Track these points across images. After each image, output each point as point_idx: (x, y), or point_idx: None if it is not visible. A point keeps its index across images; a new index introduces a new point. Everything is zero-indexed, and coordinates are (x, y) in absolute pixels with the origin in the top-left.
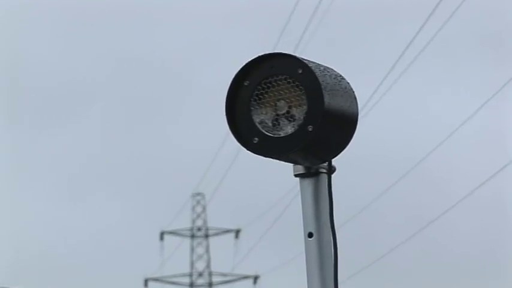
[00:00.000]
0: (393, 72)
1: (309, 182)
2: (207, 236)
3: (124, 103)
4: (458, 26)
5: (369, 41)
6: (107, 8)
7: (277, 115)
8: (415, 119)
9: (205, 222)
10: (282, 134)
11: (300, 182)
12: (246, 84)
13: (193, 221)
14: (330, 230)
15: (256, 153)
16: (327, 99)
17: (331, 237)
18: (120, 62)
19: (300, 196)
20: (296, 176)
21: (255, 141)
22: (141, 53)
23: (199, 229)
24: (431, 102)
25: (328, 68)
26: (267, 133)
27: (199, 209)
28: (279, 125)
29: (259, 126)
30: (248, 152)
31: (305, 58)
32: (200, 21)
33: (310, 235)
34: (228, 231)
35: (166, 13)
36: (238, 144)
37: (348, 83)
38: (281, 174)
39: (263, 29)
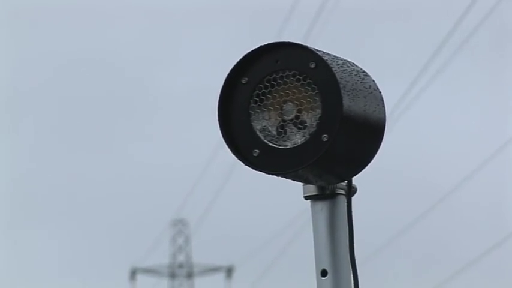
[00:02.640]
0: (428, 72)
1: (322, 206)
2: (190, 275)
3: (69, 115)
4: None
5: (391, 38)
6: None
7: (284, 121)
8: (456, 131)
9: (188, 257)
10: (290, 144)
11: (312, 206)
12: (244, 82)
13: (174, 256)
14: (349, 266)
15: (257, 169)
16: (347, 102)
17: (351, 276)
18: (62, 64)
19: (311, 224)
20: (307, 198)
21: (255, 154)
22: (88, 54)
23: (181, 266)
24: (477, 110)
25: (348, 61)
26: (270, 144)
27: (180, 241)
28: (285, 133)
29: (260, 135)
30: (246, 167)
31: (319, 49)
32: (164, 13)
33: (323, 273)
34: (217, 269)
35: (120, 3)
36: (233, 158)
37: (374, 81)
38: (287, 196)
39: (244, 23)
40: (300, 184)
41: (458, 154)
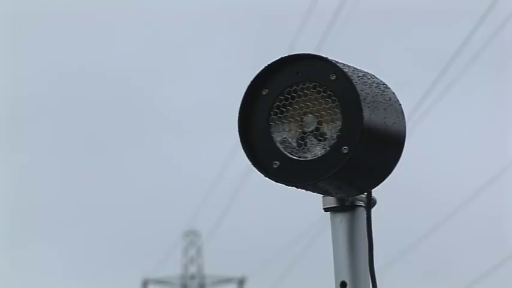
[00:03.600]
0: (437, 87)
1: (342, 218)
2: (202, 286)
3: (78, 126)
4: None
5: (410, 44)
6: (40, 8)
7: (304, 133)
8: (472, 145)
9: (200, 268)
10: (310, 156)
11: (331, 218)
12: (264, 93)
13: (185, 267)
14: (369, 279)
15: (277, 181)
16: (367, 114)
17: None
18: (64, 77)
19: (330, 235)
20: (326, 210)
21: (275, 166)
22: (89, 65)
23: (192, 277)
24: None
25: (368, 73)
26: (290, 155)
27: (192, 252)
28: (305, 145)
29: (280, 147)
30: (266, 179)
31: (339, 61)
32: (169, 22)
33: (343, 285)
34: (229, 280)
35: (123, 13)
36: (245, 169)
37: (394, 93)
38: (299, 206)
39: (251, 33)
40: (313, 195)
41: (465, 170)
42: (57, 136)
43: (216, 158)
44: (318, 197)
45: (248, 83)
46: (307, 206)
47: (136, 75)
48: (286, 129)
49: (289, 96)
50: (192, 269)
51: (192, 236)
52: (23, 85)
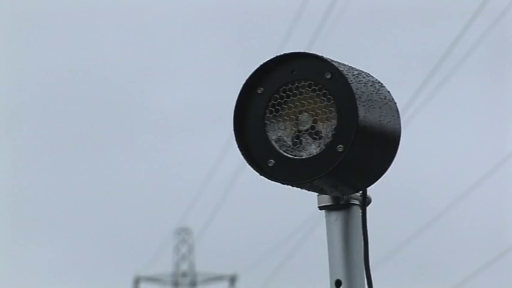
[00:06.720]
0: (429, 84)
1: (337, 216)
2: (194, 283)
3: (70, 126)
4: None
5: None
6: (25, 10)
7: (299, 131)
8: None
9: (191, 266)
10: (305, 155)
11: (326, 216)
12: (259, 92)
13: (177, 264)
14: (364, 277)
15: (272, 179)
16: (362, 112)
17: (365, 287)
18: (52, 76)
19: (323, 233)
20: (321, 208)
21: (270, 164)
22: (76, 67)
23: (184, 275)
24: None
25: (363, 72)
26: (285, 154)
27: (184, 249)
28: (301, 143)
29: (275, 146)
30: (261, 177)
31: (335, 60)
32: (158, 21)
33: (338, 284)
34: (220, 277)
35: (110, 15)
36: (236, 167)
37: (389, 92)
38: (291, 205)
39: (240, 32)
40: (307, 193)
41: (458, 168)
42: (48, 136)
43: (207, 155)
44: (311, 195)
45: (243, 82)
46: (299, 204)
47: (127, 75)
48: (282, 128)
49: (284, 94)
50: (184, 267)
51: (183, 234)
52: (14, 86)
